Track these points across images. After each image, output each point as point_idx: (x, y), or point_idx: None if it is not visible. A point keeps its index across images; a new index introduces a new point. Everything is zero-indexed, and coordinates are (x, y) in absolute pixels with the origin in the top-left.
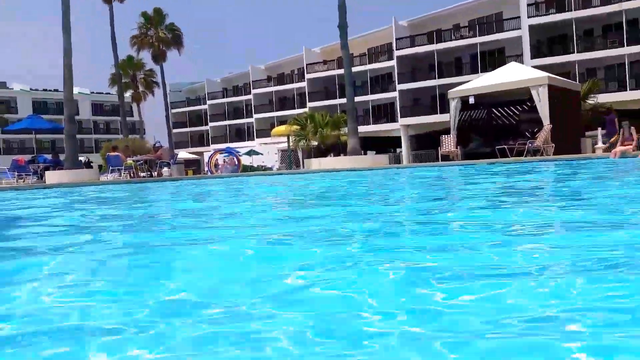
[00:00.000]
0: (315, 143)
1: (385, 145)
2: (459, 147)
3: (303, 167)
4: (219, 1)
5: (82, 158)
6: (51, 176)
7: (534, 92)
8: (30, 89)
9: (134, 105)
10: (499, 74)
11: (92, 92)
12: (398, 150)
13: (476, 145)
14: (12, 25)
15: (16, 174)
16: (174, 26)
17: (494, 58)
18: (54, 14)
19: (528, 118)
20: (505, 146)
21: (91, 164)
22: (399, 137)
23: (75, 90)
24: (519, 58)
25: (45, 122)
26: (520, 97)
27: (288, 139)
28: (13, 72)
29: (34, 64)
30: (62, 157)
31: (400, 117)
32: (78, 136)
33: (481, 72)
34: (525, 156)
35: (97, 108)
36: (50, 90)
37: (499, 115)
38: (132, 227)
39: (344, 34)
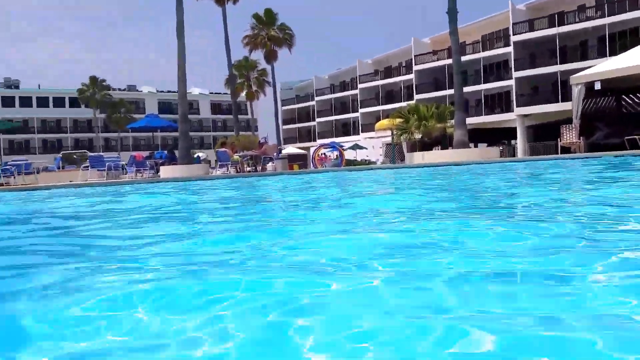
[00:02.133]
0: (419, 136)
1: (499, 137)
2: (581, 138)
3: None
4: None
5: (200, 154)
6: (165, 171)
7: None
8: (157, 91)
9: (248, 104)
10: (631, 55)
11: (211, 93)
12: (513, 142)
13: (602, 136)
14: (143, 31)
15: (134, 168)
16: (285, 26)
17: (625, 40)
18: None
19: None
20: (637, 137)
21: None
22: (514, 128)
23: (196, 91)
24: None
25: (161, 121)
26: None
27: (392, 132)
28: (142, 76)
29: (161, 67)
30: (177, 153)
31: (517, 106)
32: (199, 134)
33: (610, 56)
34: None
35: (216, 107)
36: (174, 92)
37: (630, 102)
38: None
39: (454, 19)
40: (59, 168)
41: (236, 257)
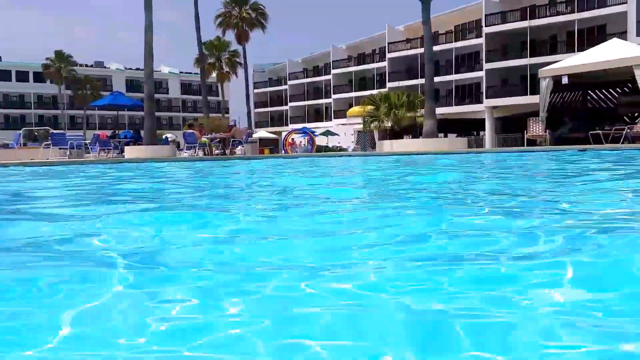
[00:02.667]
0: (390, 124)
1: (468, 128)
2: (547, 131)
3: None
4: None
5: (169, 135)
6: (130, 151)
7: (637, 72)
8: (125, 68)
9: (220, 85)
10: (598, 51)
11: (181, 72)
12: (481, 133)
13: (567, 130)
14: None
15: (98, 147)
16: (258, 5)
17: (593, 36)
18: None
19: (628, 101)
20: (600, 132)
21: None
22: (484, 120)
23: (166, 70)
24: (622, 36)
25: (126, 99)
26: (620, 78)
27: (364, 119)
28: (110, 53)
29: (130, 44)
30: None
31: (486, 97)
32: (167, 114)
33: (578, 51)
34: (622, 143)
35: (186, 87)
36: (142, 70)
37: (595, 97)
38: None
39: (427, 7)
40: (18, 145)
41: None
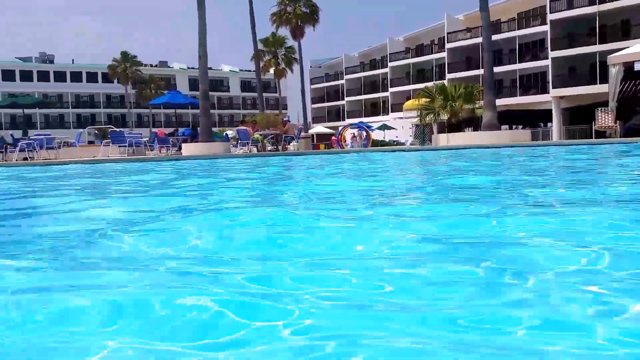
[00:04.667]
0: (446, 117)
1: (534, 119)
2: (618, 122)
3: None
4: None
5: (229, 132)
6: (187, 148)
7: None
8: (188, 67)
9: (277, 82)
10: None
11: (241, 70)
12: (549, 124)
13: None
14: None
15: (157, 145)
16: (311, 1)
17: None
18: None
19: None
20: None
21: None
22: (550, 111)
23: (226, 68)
24: None
25: (183, 97)
26: None
27: (421, 113)
28: (174, 52)
29: (193, 44)
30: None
31: (552, 87)
32: (228, 111)
33: None
34: None
35: (245, 85)
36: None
37: None
38: None
39: None
40: (80, 143)
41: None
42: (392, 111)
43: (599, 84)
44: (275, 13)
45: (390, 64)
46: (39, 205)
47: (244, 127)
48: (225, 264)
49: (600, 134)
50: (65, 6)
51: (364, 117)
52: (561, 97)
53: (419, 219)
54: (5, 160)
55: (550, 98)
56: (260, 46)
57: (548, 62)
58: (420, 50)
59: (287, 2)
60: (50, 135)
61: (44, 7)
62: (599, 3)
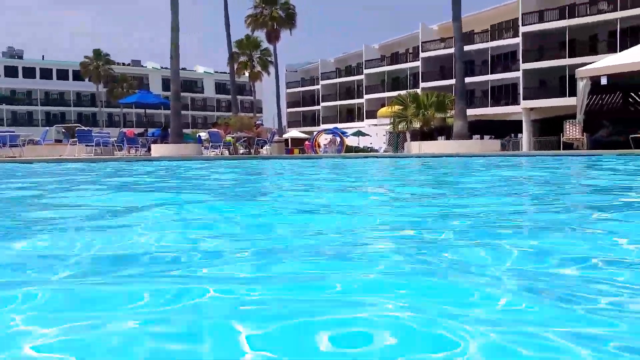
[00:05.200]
0: (419, 125)
1: (504, 130)
2: (585, 134)
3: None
4: None
5: (202, 134)
6: (156, 149)
7: None
8: (161, 67)
9: (252, 85)
10: None
11: (216, 72)
12: (519, 135)
13: (606, 134)
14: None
15: (126, 145)
16: (289, 4)
17: (636, 35)
18: None
19: None
20: None
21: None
22: (520, 122)
23: (201, 69)
24: None
25: (153, 97)
26: None
27: (394, 120)
28: (147, 52)
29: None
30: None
31: (523, 99)
32: (202, 113)
33: (620, 51)
34: None
35: (220, 87)
36: (179, 69)
37: (638, 99)
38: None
39: (457, 4)
40: (44, 141)
41: None
42: (367, 118)
43: (568, 96)
44: (251, 15)
45: (365, 71)
46: None
47: (216, 130)
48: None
49: (568, 146)
50: (39, 1)
51: (340, 122)
52: (531, 109)
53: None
54: None
55: (520, 109)
56: (234, 48)
57: (519, 73)
58: (395, 58)
59: (264, 5)
60: (14, 132)
61: (18, 1)
62: (569, 17)
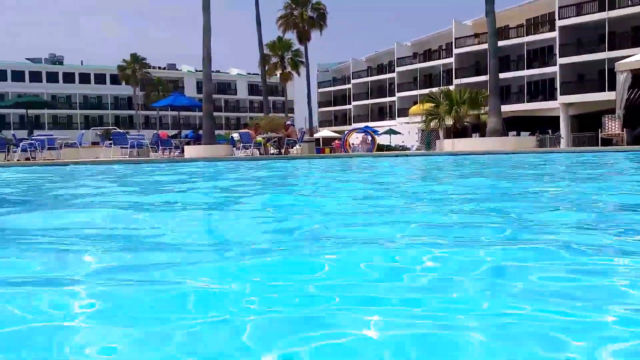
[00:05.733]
0: (451, 122)
1: (543, 126)
2: (625, 129)
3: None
4: None
5: (235, 135)
6: (189, 150)
7: None
8: (195, 70)
9: (284, 85)
10: None
11: (249, 73)
12: (558, 132)
13: None
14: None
15: (160, 147)
16: (320, 5)
17: None
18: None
19: None
20: None
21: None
22: (558, 117)
23: (234, 71)
24: None
25: (185, 99)
26: None
27: (426, 118)
28: (183, 55)
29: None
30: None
31: (560, 94)
32: (235, 114)
33: None
34: None
35: (253, 88)
36: (213, 71)
37: None
38: None
39: None
40: (80, 144)
41: None
42: (399, 116)
43: (608, 91)
44: (282, 16)
45: (397, 69)
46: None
47: (246, 130)
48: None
49: (607, 142)
50: (76, 8)
51: (371, 121)
52: (569, 104)
53: None
54: (8, 160)
55: (558, 105)
56: (266, 50)
57: (556, 68)
58: (428, 55)
59: (294, 6)
60: (52, 135)
61: (56, 8)
62: (609, 9)
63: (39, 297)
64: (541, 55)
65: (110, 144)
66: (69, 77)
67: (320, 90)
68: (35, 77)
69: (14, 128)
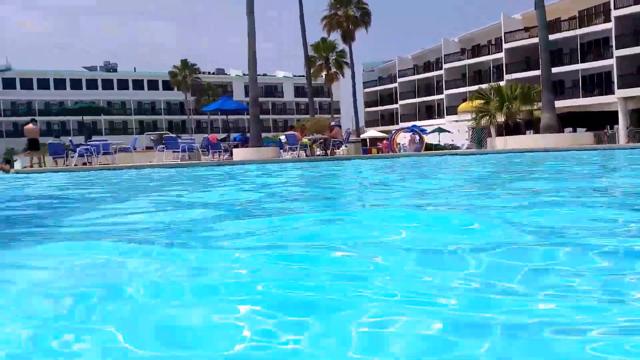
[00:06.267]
0: (503, 119)
1: (601, 121)
2: None
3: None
4: None
5: (282, 137)
6: (237, 153)
7: None
8: (243, 74)
9: (329, 86)
10: None
11: (295, 76)
12: (615, 127)
13: None
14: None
15: (210, 150)
16: (363, 3)
17: None
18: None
19: None
20: None
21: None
22: (616, 112)
23: (280, 74)
24: None
25: (233, 103)
26: None
27: (477, 115)
28: (232, 60)
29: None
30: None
31: (618, 88)
32: (282, 116)
33: None
34: None
35: (299, 90)
36: (261, 75)
37: None
38: None
39: None
40: (134, 149)
41: None
42: (447, 114)
43: None
44: (326, 17)
45: (445, 66)
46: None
47: (293, 132)
48: None
49: None
50: (129, 15)
51: (418, 120)
52: (628, 98)
53: None
54: (67, 165)
55: (615, 99)
56: (311, 52)
57: (613, 61)
58: (476, 50)
59: (338, 5)
60: (106, 141)
61: (114, 15)
62: None
63: None
64: (596, 47)
65: (163, 148)
66: (123, 84)
67: (366, 90)
68: (92, 84)
69: (73, 134)
